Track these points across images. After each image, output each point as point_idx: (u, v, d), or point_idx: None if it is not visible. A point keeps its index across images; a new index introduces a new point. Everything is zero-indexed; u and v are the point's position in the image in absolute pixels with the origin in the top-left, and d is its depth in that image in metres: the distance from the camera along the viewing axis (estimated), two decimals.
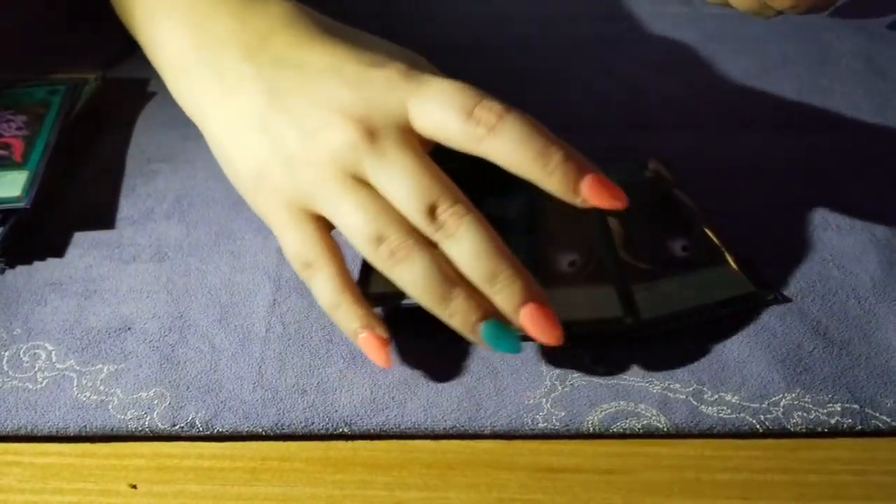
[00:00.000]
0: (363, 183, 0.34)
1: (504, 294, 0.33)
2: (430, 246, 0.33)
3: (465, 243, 0.33)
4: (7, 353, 0.37)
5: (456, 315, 0.33)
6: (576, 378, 0.35)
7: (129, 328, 0.38)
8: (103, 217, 0.43)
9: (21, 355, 0.37)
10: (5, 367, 0.36)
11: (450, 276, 0.33)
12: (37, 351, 0.37)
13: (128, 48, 0.54)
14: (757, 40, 0.57)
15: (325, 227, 0.36)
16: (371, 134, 0.34)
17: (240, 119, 0.37)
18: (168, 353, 0.37)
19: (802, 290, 0.39)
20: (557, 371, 0.35)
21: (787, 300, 0.37)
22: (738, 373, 0.35)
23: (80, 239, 0.42)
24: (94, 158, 0.47)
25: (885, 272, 0.40)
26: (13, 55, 0.54)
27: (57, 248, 0.42)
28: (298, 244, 0.35)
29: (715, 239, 0.40)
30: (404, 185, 0.33)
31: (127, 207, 0.44)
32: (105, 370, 0.36)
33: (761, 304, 0.38)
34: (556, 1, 0.61)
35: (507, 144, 0.33)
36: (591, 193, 0.33)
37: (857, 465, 0.33)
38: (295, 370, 0.36)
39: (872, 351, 0.36)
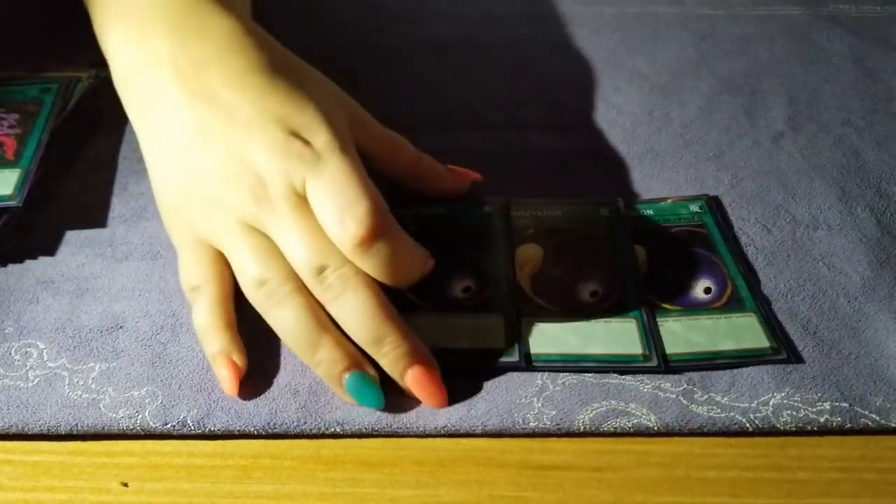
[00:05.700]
0: (264, 234, 0.36)
1: (390, 357, 0.34)
2: (307, 294, 0.34)
3: (349, 307, 0.34)
4: None
5: (321, 364, 0.34)
6: (567, 377, 0.35)
7: (121, 326, 0.38)
8: (95, 215, 0.43)
9: (13, 353, 0.37)
10: None
11: (321, 324, 0.34)
12: (28, 349, 0.37)
13: None
14: (748, 41, 0.57)
15: (223, 261, 0.37)
16: (273, 195, 0.35)
17: (164, 147, 0.38)
18: (160, 351, 0.37)
19: (792, 288, 0.39)
20: (549, 370, 0.36)
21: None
22: (728, 372, 0.36)
23: (73, 237, 0.42)
24: (87, 156, 0.47)
25: (874, 271, 0.40)
26: (5, 53, 0.53)
27: (49, 247, 0.42)
28: (191, 269, 0.37)
29: (741, 286, 0.39)
30: (297, 244, 0.34)
31: (119, 206, 0.44)
32: (97, 368, 0.36)
33: (773, 362, 0.36)
34: (547, 2, 0.61)
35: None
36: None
37: (847, 462, 0.33)
38: (287, 370, 0.36)
39: (862, 350, 0.36)
